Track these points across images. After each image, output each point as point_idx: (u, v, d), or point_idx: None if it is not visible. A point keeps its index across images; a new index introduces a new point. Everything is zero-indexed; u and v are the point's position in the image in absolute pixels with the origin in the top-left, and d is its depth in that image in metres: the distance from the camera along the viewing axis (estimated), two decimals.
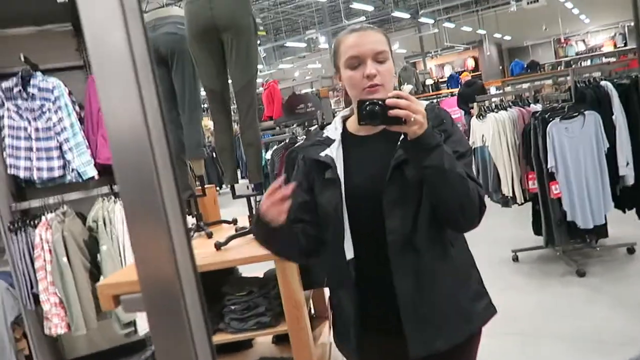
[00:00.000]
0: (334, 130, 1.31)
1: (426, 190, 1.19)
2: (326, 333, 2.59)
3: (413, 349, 1.21)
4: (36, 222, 2.79)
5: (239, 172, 2.97)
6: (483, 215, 1.20)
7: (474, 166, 3.70)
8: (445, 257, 1.25)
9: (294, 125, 6.08)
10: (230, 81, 2.43)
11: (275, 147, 5.13)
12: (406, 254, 1.20)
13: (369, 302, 1.28)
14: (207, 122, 7.07)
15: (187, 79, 2.52)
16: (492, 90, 7.74)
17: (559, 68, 12.20)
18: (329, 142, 1.28)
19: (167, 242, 0.62)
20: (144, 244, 0.62)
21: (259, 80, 10.36)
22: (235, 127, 4.15)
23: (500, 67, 19.99)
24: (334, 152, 1.25)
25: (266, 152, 5.22)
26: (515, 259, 3.93)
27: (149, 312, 0.63)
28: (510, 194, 3.71)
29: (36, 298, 2.75)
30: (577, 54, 18.28)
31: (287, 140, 4.86)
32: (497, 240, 4.34)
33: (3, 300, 2.77)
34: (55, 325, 2.70)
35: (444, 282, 1.24)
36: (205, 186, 2.76)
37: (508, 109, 3.91)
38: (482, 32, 18.59)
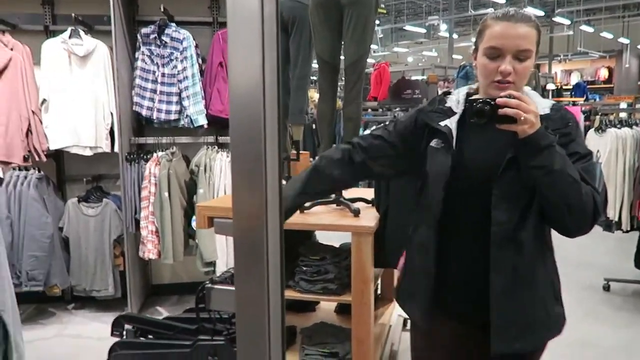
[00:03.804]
0: (456, 103, 1.28)
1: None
2: (388, 314, 2.63)
3: (495, 346, 1.20)
4: (148, 157, 3.10)
5: (334, 147, 3.05)
6: (596, 222, 1.16)
7: None
8: (543, 258, 1.25)
9: (397, 109, 6.05)
10: (342, 54, 2.49)
11: (374, 127, 5.15)
12: (507, 248, 1.18)
13: (447, 283, 1.27)
14: (313, 94, 7.24)
15: (302, 47, 2.62)
16: (622, 106, 7.06)
17: None
18: (450, 113, 1.27)
19: (261, 186, 0.70)
20: (243, 184, 0.71)
21: (370, 60, 10.34)
22: (339, 102, 4.23)
23: (639, 83, 18.00)
24: (453, 125, 1.24)
25: (364, 130, 5.27)
26: (607, 287, 3.64)
27: (236, 239, 0.72)
28: (616, 219, 3.42)
29: (137, 223, 3.09)
30: None
31: (386, 123, 4.87)
32: (591, 264, 4.04)
33: (111, 219, 3.14)
34: (149, 251, 3.03)
35: (538, 283, 1.23)
36: (300, 152, 2.88)
37: (634, 126, 3.57)
38: (625, 40, 16.80)
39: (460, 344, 1.33)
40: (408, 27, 16.55)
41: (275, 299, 0.74)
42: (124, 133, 3.10)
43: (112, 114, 3.09)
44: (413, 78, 8.49)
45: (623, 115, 4.55)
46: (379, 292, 2.70)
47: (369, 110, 7.08)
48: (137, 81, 3.18)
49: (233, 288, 0.74)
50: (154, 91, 3.17)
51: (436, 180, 1.24)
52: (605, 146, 3.51)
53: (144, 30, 3.17)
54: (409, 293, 1.35)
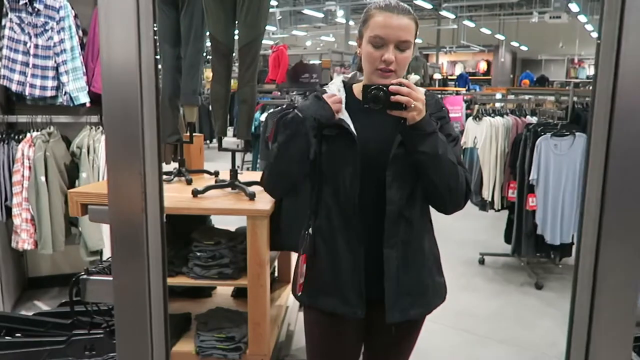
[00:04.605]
0: (338, 92, 1.31)
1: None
2: (285, 296, 2.67)
3: (391, 315, 1.28)
4: (21, 137, 2.79)
5: (231, 129, 2.98)
6: (468, 199, 1.30)
7: None
8: (428, 233, 1.36)
9: (294, 93, 6.06)
10: (236, 35, 2.43)
11: (271, 110, 5.12)
12: (399, 225, 1.27)
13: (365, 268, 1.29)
14: (209, 74, 6.99)
15: (194, 24, 2.50)
16: (497, 96, 7.76)
17: (566, 87, 12.22)
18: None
19: (139, 170, 0.66)
20: (119, 168, 0.66)
21: (269, 42, 10.22)
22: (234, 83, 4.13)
23: (511, 76, 19.93)
24: (345, 113, 1.27)
25: (262, 113, 5.22)
26: (482, 261, 4.03)
27: (112, 227, 0.67)
28: (490, 199, 3.78)
29: (8, 211, 2.78)
30: (587, 77, 18.27)
31: (284, 106, 4.87)
32: (469, 241, 4.43)
33: None
34: (23, 241, 2.74)
35: (425, 255, 1.34)
36: (194, 134, 2.77)
37: (505, 116, 3.95)
38: (501, 37, 18.43)
39: (362, 322, 1.37)
40: (306, 11, 16.61)
41: (157, 287, 0.71)
42: None
43: None
44: (311, 62, 8.56)
45: (498, 105, 5.01)
46: (276, 274, 2.73)
47: (268, 93, 7.02)
48: (5, 52, 2.83)
49: (111, 278, 0.70)
50: (26, 64, 2.84)
51: (347, 170, 1.25)
52: (481, 133, 3.84)
53: None
54: (328, 288, 1.32)
